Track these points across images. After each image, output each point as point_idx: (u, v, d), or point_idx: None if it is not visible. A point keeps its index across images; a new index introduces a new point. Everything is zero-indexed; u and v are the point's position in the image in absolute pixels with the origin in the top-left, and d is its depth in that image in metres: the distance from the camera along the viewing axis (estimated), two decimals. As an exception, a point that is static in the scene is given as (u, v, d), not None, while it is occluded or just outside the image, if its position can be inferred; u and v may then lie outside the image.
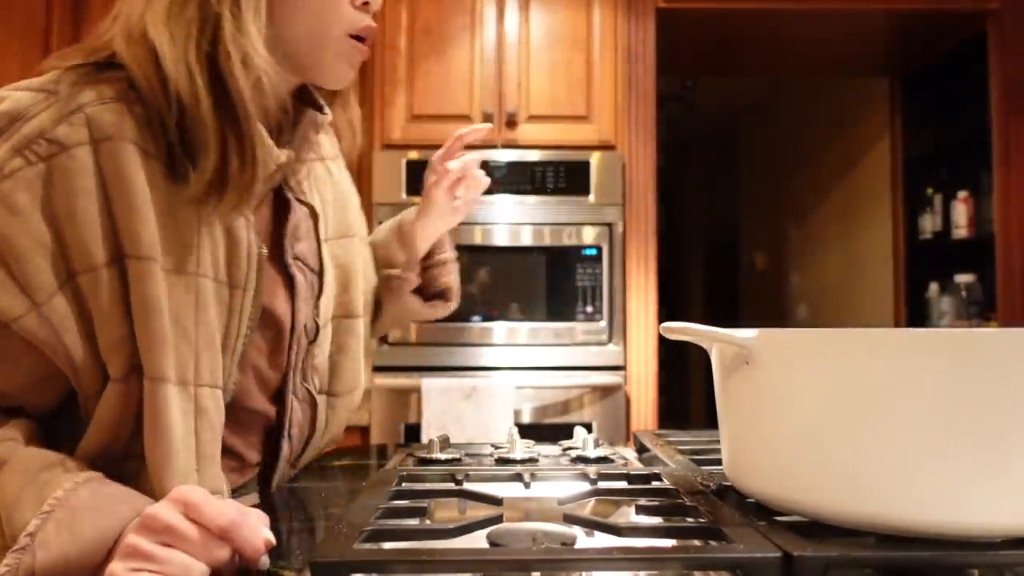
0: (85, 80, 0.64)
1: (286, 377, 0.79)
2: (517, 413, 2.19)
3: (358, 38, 0.73)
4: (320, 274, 0.83)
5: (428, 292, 1.07)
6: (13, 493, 0.57)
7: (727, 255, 5.66)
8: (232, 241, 0.70)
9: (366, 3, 0.72)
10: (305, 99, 0.78)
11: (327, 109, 0.79)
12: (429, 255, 1.06)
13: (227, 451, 0.74)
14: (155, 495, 0.62)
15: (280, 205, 0.79)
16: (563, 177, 2.25)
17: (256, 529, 0.53)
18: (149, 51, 0.64)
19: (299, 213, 0.80)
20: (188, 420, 0.66)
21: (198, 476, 0.67)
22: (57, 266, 0.61)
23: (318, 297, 0.83)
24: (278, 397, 0.79)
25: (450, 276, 1.08)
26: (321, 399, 0.86)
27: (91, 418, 0.64)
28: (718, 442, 0.70)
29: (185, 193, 0.65)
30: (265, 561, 0.54)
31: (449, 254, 1.08)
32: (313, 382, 0.84)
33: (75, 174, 0.61)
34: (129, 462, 0.66)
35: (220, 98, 0.64)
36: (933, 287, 2.91)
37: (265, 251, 0.74)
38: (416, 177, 2.22)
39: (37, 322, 0.60)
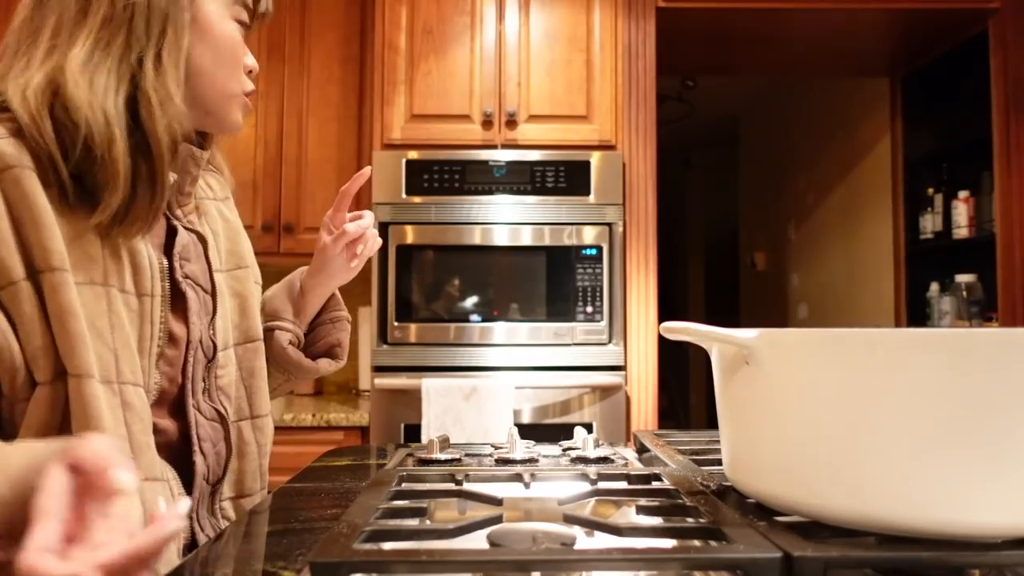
0: None
1: (183, 390, 0.82)
2: (517, 413, 2.19)
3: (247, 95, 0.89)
4: (213, 295, 0.88)
5: (315, 350, 1.06)
6: None
7: (727, 255, 5.66)
8: (134, 255, 0.77)
9: (251, 71, 0.89)
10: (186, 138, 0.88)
11: (206, 146, 0.90)
12: (322, 311, 1.07)
13: None
14: None
15: (169, 232, 0.86)
16: (563, 177, 2.25)
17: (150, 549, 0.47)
18: (51, 97, 0.70)
19: (186, 238, 0.87)
20: (116, 413, 0.71)
21: (135, 464, 0.71)
22: None
23: (212, 316, 0.87)
24: (179, 413, 0.82)
25: (342, 334, 1.08)
26: (246, 424, 0.90)
27: (17, 429, 0.69)
28: (718, 442, 0.70)
29: (87, 221, 0.72)
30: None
31: (342, 312, 1.08)
32: (221, 403, 0.87)
33: None
34: None
35: (138, 140, 0.73)
36: (934, 287, 2.91)
37: (165, 263, 0.82)
38: (416, 176, 2.22)
39: None
